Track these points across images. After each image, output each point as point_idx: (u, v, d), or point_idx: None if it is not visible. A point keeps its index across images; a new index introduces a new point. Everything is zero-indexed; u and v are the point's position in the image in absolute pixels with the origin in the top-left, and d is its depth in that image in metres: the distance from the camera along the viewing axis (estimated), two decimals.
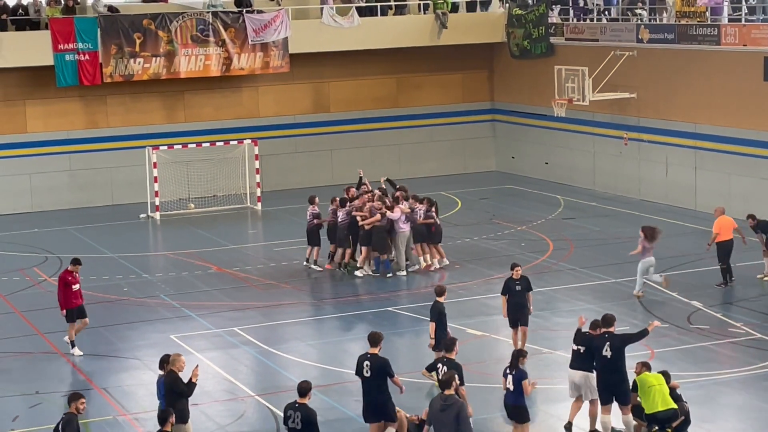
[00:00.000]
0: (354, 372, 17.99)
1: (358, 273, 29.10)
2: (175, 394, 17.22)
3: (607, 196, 39.36)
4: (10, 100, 39.72)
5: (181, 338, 24.51)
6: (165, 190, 39.28)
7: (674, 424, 17.96)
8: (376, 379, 17.54)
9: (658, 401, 17.92)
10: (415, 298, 27.30)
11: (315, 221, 30.02)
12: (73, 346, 23.76)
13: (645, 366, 18.36)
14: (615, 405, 18.28)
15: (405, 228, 28.83)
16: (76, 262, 24.07)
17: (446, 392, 16.12)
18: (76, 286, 23.73)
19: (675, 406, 17.91)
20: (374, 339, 17.95)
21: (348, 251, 29.74)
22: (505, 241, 32.99)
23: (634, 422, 18.32)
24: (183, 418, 17.22)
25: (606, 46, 39.15)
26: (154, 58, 39.29)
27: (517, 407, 17.63)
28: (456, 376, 16.51)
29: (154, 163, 38.60)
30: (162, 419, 16.00)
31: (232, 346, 24.10)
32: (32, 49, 38.35)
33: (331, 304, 27.40)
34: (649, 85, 38.13)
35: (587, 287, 27.70)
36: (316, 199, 30.45)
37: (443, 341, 18.82)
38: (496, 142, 45.97)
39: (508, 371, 17.60)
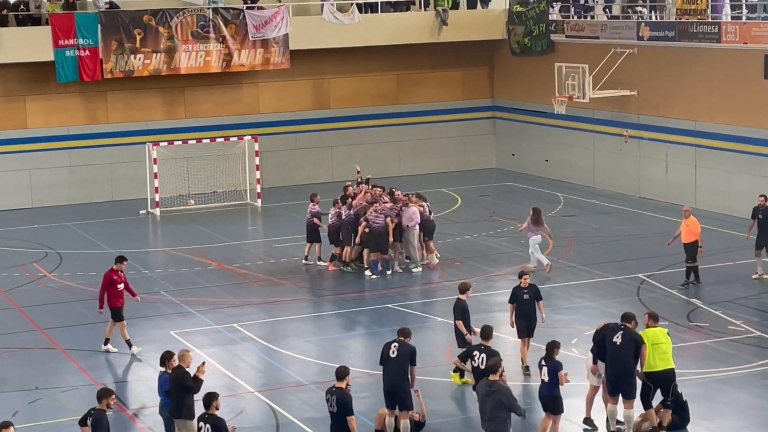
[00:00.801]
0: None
1: (367, 273, 28.95)
2: (183, 389, 17.20)
3: (606, 194, 39.37)
4: (10, 95, 39.72)
5: (181, 334, 24.53)
6: (165, 187, 39.29)
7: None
8: (403, 365, 17.90)
9: (658, 360, 18.00)
10: (413, 295, 27.33)
11: (314, 220, 29.99)
12: (130, 346, 23.32)
13: (653, 318, 18.38)
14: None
15: (416, 224, 28.81)
16: (121, 259, 23.57)
17: (491, 377, 16.57)
18: (120, 286, 23.28)
19: (673, 365, 18.08)
20: (404, 332, 18.34)
21: (354, 249, 29.46)
22: (505, 238, 33.00)
23: (637, 418, 18.35)
24: (190, 414, 17.25)
25: (606, 44, 39.14)
26: (154, 54, 39.29)
27: (552, 398, 17.81)
28: (501, 362, 16.90)
29: (154, 159, 38.61)
30: (206, 403, 15.96)
31: (232, 343, 24.11)
32: (33, 44, 38.36)
33: (331, 300, 27.41)
34: (649, 83, 38.13)
35: (587, 284, 27.71)
36: (317, 198, 30.39)
37: (481, 329, 18.83)
38: (496, 139, 45.97)
39: (543, 362, 17.89)
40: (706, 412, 19.46)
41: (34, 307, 27.18)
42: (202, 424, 15.88)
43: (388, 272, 28.92)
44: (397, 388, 17.85)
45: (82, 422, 16.21)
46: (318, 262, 30.16)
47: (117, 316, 23.39)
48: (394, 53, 43.55)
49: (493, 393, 16.40)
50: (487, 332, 18.48)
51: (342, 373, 16.80)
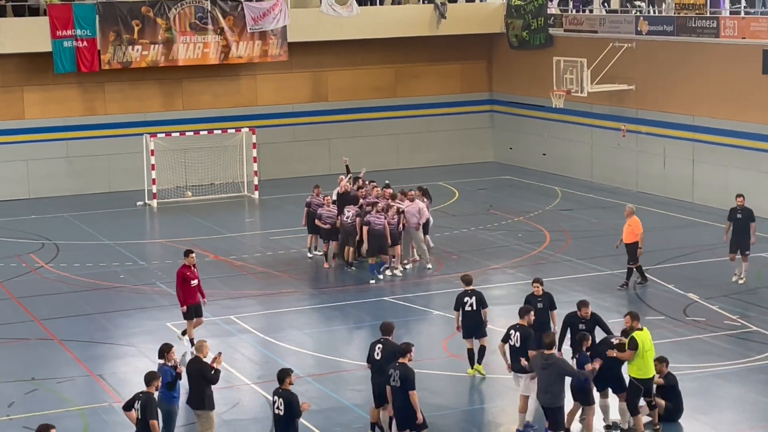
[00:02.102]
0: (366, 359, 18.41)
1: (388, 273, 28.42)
2: (204, 380, 17.23)
3: (604, 188, 39.37)
4: (7, 86, 39.66)
5: (177, 326, 24.48)
6: (162, 178, 39.26)
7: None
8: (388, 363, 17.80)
9: (651, 366, 18.04)
10: (411, 288, 27.30)
11: (310, 210, 29.77)
12: (193, 344, 22.12)
13: (635, 319, 18.32)
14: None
15: (424, 220, 28.54)
16: (188, 252, 23.08)
17: (546, 352, 17.36)
18: (194, 282, 22.77)
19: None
20: (386, 329, 18.35)
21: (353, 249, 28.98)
22: (502, 231, 32.99)
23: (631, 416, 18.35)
24: (211, 405, 17.38)
25: (605, 38, 39.12)
26: (152, 46, 39.24)
27: (582, 390, 17.86)
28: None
29: (152, 151, 38.58)
30: (281, 378, 16.22)
31: (229, 334, 24.10)
32: (30, 35, 38.30)
33: (328, 293, 27.38)
34: (647, 77, 38.11)
35: (584, 278, 27.71)
36: (317, 189, 30.13)
37: (519, 310, 19.06)
38: (494, 132, 45.95)
39: (572, 355, 18.13)
40: (702, 406, 19.47)
41: (30, 298, 27.16)
42: (276, 398, 16.18)
43: (388, 272, 28.43)
44: (384, 390, 17.60)
45: (128, 407, 16.36)
46: (315, 252, 30.04)
47: (188, 314, 22.71)
48: (392, 46, 43.51)
49: (550, 366, 17.21)
50: (523, 312, 18.77)
51: (404, 350, 17.11)
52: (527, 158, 44.09)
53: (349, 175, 31.04)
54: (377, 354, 18.01)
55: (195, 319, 22.91)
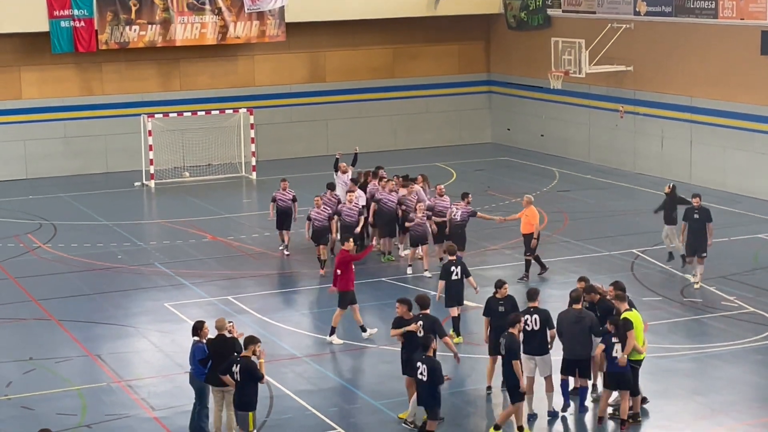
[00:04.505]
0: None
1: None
2: (222, 357, 17.28)
3: (602, 169, 39.37)
4: (5, 66, 39.57)
5: (175, 306, 24.55)
6: (160, 158, 39.24)
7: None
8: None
9: (641, 347, 18.08)
10: (407, 268, 27.24)
11: (277, 204, 28.64)
12: (364, 330, 22.11)
13: (620, 291, 18.27)
14: None
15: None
16: (348, 239, 22.94)
17: (575, 306, 18.23)
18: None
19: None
20: (423, 303, 18.53)
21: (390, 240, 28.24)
22: (500, 212, 32.95)
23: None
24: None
25: (603, 19, 39.06)
26: (149, 26, 39.17)
27: (623, 375, 17.76)
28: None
29: (149, 131, 38.54)
30: (425, 346, 17.04)
31: (226, 315, 24.03)
32: (27, 15, 38.18)
33: (325, 273, 27.38)
34: (645, 58, 38.07)
35: (581, 259, 27.75)
36: (284, 183, 29.12)
37: (529, 292, 18.99)
38: (491, 113, 45.91)
39: (615, 340, 17.87)
40: (699, 387, 19.54)
41: (28, 278, 27.17)
42: (419, 364, 16.81)
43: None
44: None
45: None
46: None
47: (345, 300, 22.03)
48: (390, 27, 43.42)
49: (581, 320, 18.04)
50: (533, 294, 18.70)
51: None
52: (525, 139, 44.07)
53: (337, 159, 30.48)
54: (420, 331, 18.12)
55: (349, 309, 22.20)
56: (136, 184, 38.61)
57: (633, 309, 18.17)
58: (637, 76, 38.44)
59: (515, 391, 17.32)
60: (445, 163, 40.79)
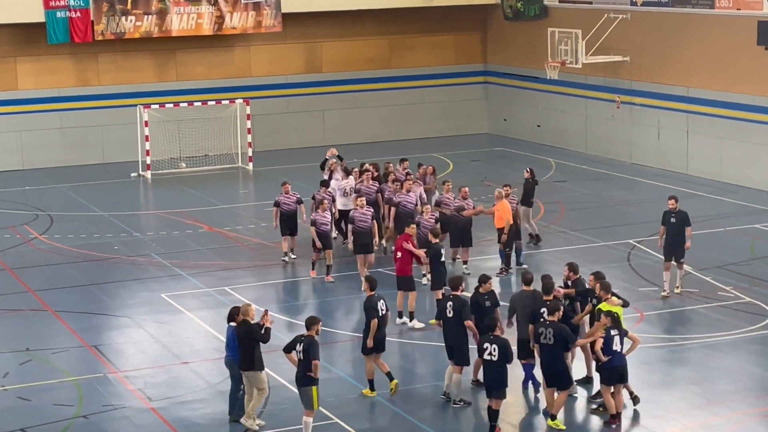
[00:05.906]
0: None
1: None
2: (253, 342, 17.46)
3: (598, 160, 39.37)
4: (0, 56, 39.51)
5: (172, 297, 24.54)
6: (156, 149, 39.22)
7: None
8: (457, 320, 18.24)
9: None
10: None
11: (280, 210, 27.42)
12: (401, 316, 22.40)
13: (606, 289, 18.28)
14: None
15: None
16: (410, 223, 23.21)
17: (526, 288, 18.72)
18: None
19: None
20: (455, 284, 18.69)
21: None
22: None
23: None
24: (261, 365, 17.63)
25: (600, 9, 39.04)
26: (145, 16, 39.11)
27: (625, 367, 17.74)
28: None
29: (146, 122, 38.51)
30: (490, 326, 17.31)
31: (223, 306, 24.03)
32: (23, 5, 38.13)
33: (322, 263, 27.34)
34: (642, 49, 38.05)
35: (578, 250, 27.73)
36: (286, 186, 27.76)
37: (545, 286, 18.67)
38: (488, 104, 45.89)
39: (615, 332, 17.74)
40: (696, 377, 19.56)
41: (24, 269, 27.16)
42: (487, 344, 17.09)
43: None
44: (455, 345, 18.30)
45: (288, 349, 17.10)
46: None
47: (404, 284, 22.30)
48: (386, 17, 43.38)
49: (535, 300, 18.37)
50: (548, 287, 18.44)
51: (554, 308, 17.55)
52: (521, 130, 44.05)
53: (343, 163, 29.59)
54: (449, 311, 18.27)
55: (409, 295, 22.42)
56: (133, 174, 38.58)
57: (615, 297, 18.22)
58: (634, 67, 38.43)
59: (566, 377, 17.45)
60: (442, 154, 40.76)
